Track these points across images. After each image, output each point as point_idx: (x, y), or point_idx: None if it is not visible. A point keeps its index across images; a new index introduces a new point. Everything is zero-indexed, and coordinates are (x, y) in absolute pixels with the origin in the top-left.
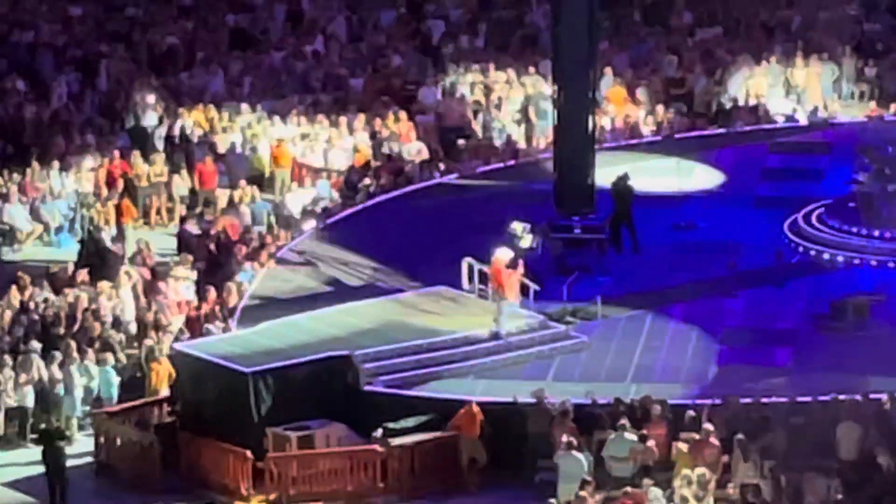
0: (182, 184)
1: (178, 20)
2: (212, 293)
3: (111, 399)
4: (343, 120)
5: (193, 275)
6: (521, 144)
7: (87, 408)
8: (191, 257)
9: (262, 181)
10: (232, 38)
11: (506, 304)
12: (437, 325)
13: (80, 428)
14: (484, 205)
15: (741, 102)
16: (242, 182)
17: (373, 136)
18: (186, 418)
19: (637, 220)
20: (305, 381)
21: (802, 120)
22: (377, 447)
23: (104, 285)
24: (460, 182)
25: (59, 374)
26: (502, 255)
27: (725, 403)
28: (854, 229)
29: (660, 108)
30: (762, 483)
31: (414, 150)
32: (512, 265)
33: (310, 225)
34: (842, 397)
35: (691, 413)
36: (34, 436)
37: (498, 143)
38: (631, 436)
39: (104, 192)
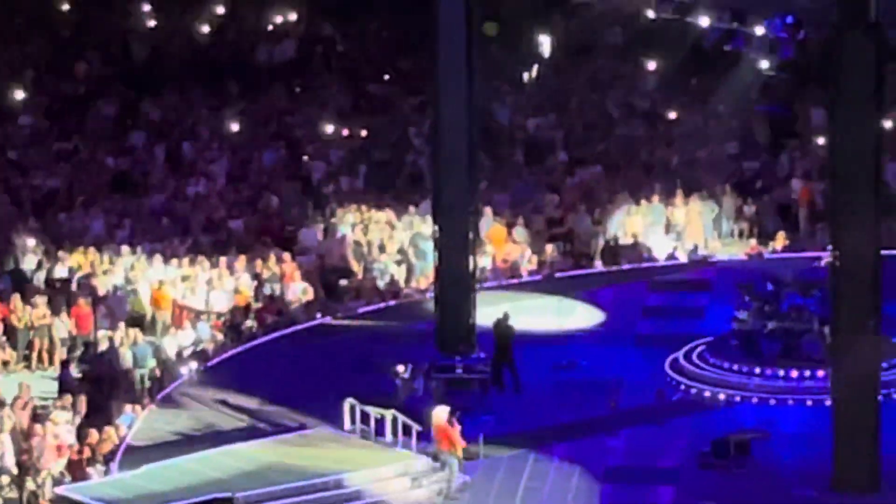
0: (63, 326)
1: (59, 163)
2: (93, 436)
3: None
4: (224, 261)
5: (74, 418)
6: (403, 285)
7: None
8: (71, 400)
9: (142, 323)
10: (112, 181)
11: (454, 460)
12: (320, 466)
13: None
14: (365, 345)
15: (621, 241)
16: (122, 324)
17: (254, 277)
18: None
19: (518, 359)
20: None
21: (683, 258)
22: None
23: None
24: (342, 323)
25: None
26: (440, 412)
27: None
28: (735, 367)
29: (540, 248)
30: None
31: (295, 291)
32: (450, 420)
33: (191, 367)
34: None
35: None
36: None
37: (379, 283)
38: None
39: None
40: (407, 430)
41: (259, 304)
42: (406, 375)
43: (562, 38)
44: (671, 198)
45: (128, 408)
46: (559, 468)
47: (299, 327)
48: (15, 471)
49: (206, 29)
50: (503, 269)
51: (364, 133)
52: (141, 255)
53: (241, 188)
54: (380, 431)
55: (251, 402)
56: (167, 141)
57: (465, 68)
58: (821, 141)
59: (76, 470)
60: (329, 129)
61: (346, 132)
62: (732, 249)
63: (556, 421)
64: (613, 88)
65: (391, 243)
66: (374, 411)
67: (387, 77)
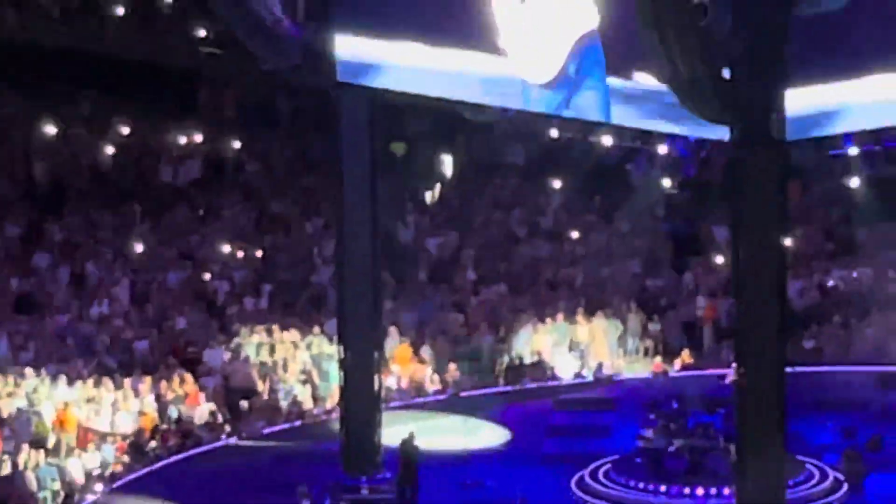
0: None
1: None
2: None
3: None
4: (128, 382)
5: None
6: (308, 405)
7: None
8: None
9: (46, 445)
10: (16, 302)
11: None
12: None
13: None
14: (271, 466)
15: (526, 360)
16: (26, 446)
17: (158, 398)
18: None
19: (424, 478)
20: None
21: (588, 376)
22: None
23: None
24: (247, 444)
25: None
26: None
27: None
28: (641, 485)
29: (446, 367)
30: None
31: (200, 412)
32: None
33: (95, 490)
34: None
35: None
36: None
37: (284, 403)
38: None
39: None
40: None
41: (164, 426)
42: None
43: (465, 158)
44: (576, 316)
45: None
46: None
47: (204, 448)
48: None
49: (110, 149)
50: (409, 388)
51: (268, 253)
52: (45, 376)
53: (146, 309)
54: None
55: None
56: (71, 262)
57: (369, 188)
58: (724, 258)
59: None
60: (233, 249)
61: (250, 252)
62: (637, 367)
63: None
64: (517, 207)
65: (296, 363)
66: None
67: (290, 197)
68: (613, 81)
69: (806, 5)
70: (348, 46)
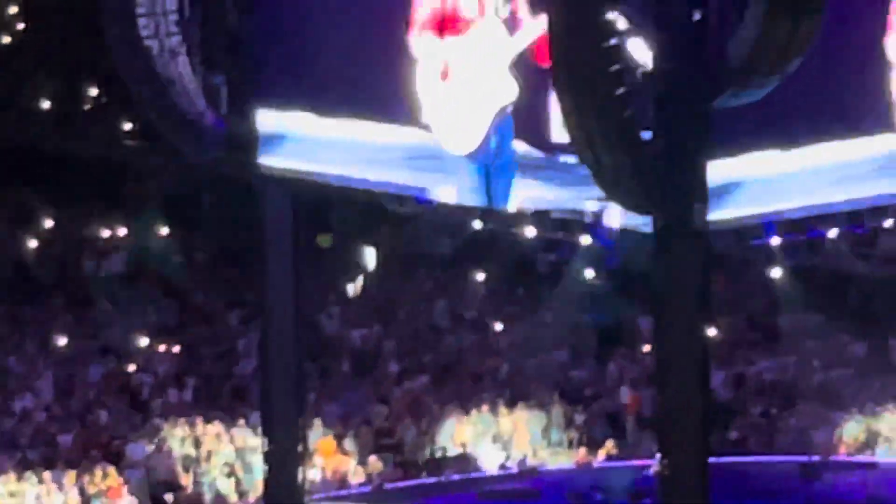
0: None
1: None
2: None
3: None
4: (51, 477)
5: None
6: (232, 498)
7: None
8: None
9: None
10: None
11: None
12: None
13: None
14: None
15: (450, 451)
16: None
17: (82, 492)
18: None
19: None
20: None
21: (512, 468)
22: None
23: None
24: None
25: None
26: None
27: None
28: None
29: (370, 458)
30: None
31: None
32: None
33: None
34: None
35: None
36: None
37: (208, 497)
38: None
39: None
40: None
41: None
42: None
43: (389, 249)
44: (500, 407)
45: None
46: None
47: None
48: None
49: (33, 242)
50: (332, 480)
51: (191, 345)
52: None
53: (69, 403)
54: None
55: None
56: None
57: (292, 280)
58: (648, 348)
59: None
60: (156, 341)
61: (173, 345)
62: (562, 458)
63: None
64: (441, 298)
65: (219, 456)
66: None
67: (213, 289)
68: (531, 153)
69: (727, 98)
70: (269, 120)
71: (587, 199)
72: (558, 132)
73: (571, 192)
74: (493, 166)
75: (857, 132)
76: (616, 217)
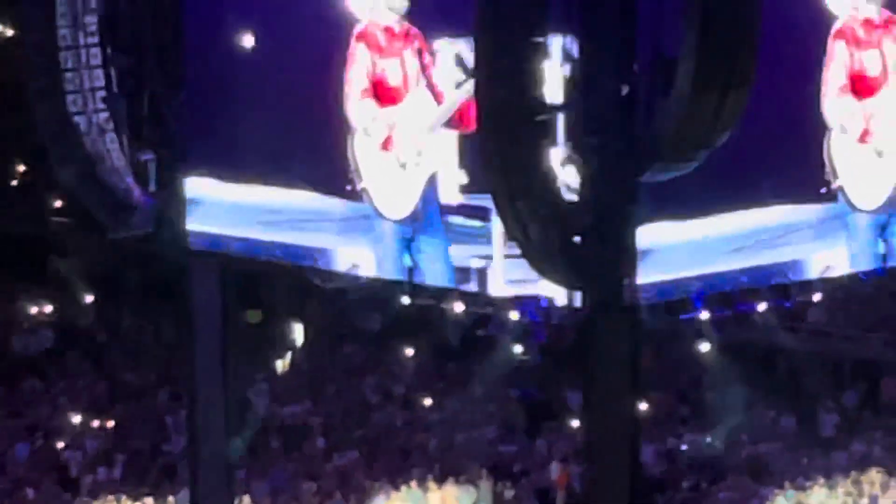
0: None
1: None
2: None
3: None
4: None
5: None
6: None
7: None
8: None
9: None
10: None
11: None
12: None
13: None
14: None
15: None
16: None
17: None
18: None
19: None
20: None
21: None
22: None
23: None
24: None
25: None
26: None
27: None
28: None
29: None
30: None
31: None
32: None
33: None
34: None
35: None
36: None
37: None
38: None
39: None
40: None
41: None
42: None
43: (318, 325)
44: (429, 483)
45: None
46: None
47: None
48: None
49: None
50: None
51: (120, 422)
52: None
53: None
54: None
55: None
56: None
57: (221, 356)
58: (577, 424)
59: None
60: (85, 419)
61: (102, 422)
62: None
63: None
64: (370, 374)
65: None
66: None
67: (142, 366)
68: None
69: (654, 173)
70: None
71: (472, 258)
72: (445, 194)
73: (458, 251)
74: (422, 232)
75: (790, 198)
76: (500, 276)
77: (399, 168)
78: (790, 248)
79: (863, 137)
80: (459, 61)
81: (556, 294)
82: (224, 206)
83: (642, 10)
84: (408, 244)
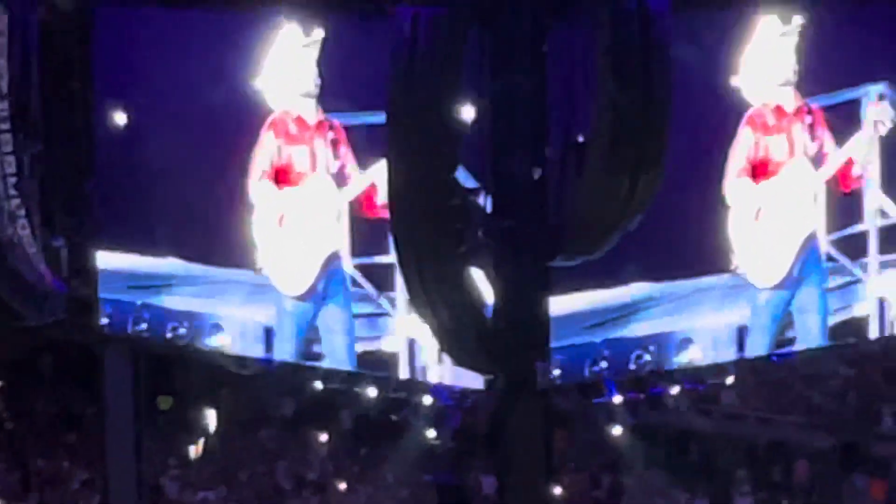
0: None
1: None
2: None
3: None
4: None
5: None
6: None
7: None
8: None
9: None
10: None
11: None
12: None
13: None
14: None
15: None
16: None
17: None
18: None
19: None
20: None
21: None
22: None
23: None
24: None
25: None
26: None
27: None
28: None
29: None
30: None
31: None
32: None
33: None
34: None
35: None
36: None
37: None
38: None
39: None
40: None
41: None
42: None
43: (230, 411)
44: None
45: None
46: None
47: None
48: None
49: None
50: None
51: None
52: None
53: None
54: None
55: None
56: None
57: (133, 443)
58: None
59: None
60: None
61: None
62: None
63: None
64: (283, 459)
65: None
66: None
67: (54, 452)
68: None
69: (563, 259)
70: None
71: (382, 339)
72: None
73: (363, 329)
74: (322, 309)
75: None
76: (401, 353)
77: (297, 247)
78: (689, 319)
79: (758, 216)
80: (368, 144)
81: (469, 378)
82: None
83: (554, 93)
84: (308, 322)
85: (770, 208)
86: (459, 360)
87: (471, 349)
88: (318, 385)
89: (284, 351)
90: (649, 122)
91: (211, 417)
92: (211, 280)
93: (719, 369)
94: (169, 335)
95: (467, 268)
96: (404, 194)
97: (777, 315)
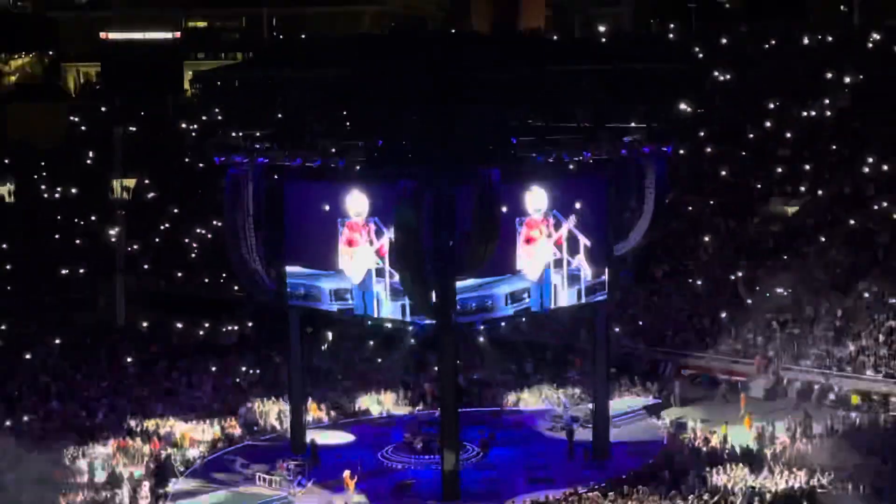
0: None
1: None
2: None
3: None
4: None
5: None
6: None
7: None
8: None
9: None
10: None
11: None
12: None
13: None
14: None
15: None
16: None
17: None
18: None
19: None
20: None
21: None
22: None
23: None
24: None
25: None
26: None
27: None
28: None
29: None
30: None
31: None
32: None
33: None
34: None
35: None
36: None
37: None
38: None
39: None
40: None
41: None
42: None
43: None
44: None
45: None
46: None
47: None
48: None
49: None
50: None
51: None
52: None
53: None
54: None
55: None
56: None
57: (300, 356)
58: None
59: None
60: None
61: None
62: None
63: None
64: (357, 352)
65: None
66: None
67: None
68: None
69: (461, 275)
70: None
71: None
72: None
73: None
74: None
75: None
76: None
77: (357, 265)
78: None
79: (525, 246)
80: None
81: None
82: (290, 274)
83: (459, 207)
84: (362, 293)
85: (532, 251)
86: (418, 309)
87: (421, 304)
88: (368, 323)
89: (354, 307)
90: (490, 222)
91: (328, 336)
92: (324, 276)
93: (519, 312)
94: (312, 304)
95: (423, 268)
96: (398, 253)
97: (540, 292)
